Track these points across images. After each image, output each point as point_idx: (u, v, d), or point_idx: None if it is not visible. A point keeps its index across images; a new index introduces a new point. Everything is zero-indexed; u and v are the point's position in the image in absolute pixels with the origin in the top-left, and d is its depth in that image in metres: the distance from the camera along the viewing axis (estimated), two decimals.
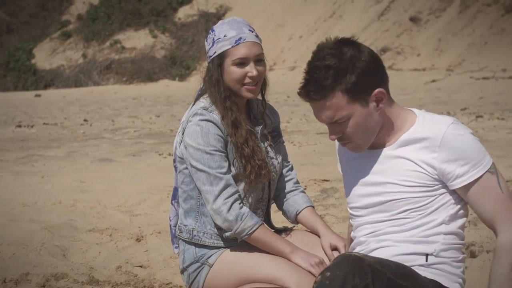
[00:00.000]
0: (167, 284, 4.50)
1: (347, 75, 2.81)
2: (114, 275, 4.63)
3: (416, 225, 2.91)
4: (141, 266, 4.81)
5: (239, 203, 3.43)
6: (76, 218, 6.22)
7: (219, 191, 3.42)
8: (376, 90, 2.85)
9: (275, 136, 3.70)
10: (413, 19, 29.08)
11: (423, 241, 2.91)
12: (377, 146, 3.00)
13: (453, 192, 2.90)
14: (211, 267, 3.50)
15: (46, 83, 34.86)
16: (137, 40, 35.02)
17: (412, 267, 2.87)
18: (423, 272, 2.88)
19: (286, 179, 3.73)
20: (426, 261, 2.90)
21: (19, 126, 16.07)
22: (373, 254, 2.92)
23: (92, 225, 5.92)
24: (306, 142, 10.97)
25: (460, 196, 2.90)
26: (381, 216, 2.97)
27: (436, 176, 2.87)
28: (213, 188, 3.42)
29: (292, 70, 29.38)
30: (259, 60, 3.49)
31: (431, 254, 2.89)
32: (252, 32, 3.52)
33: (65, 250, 5.20)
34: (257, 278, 3.37)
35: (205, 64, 3.63)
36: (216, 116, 3.48)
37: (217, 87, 3.50)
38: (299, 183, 3.77)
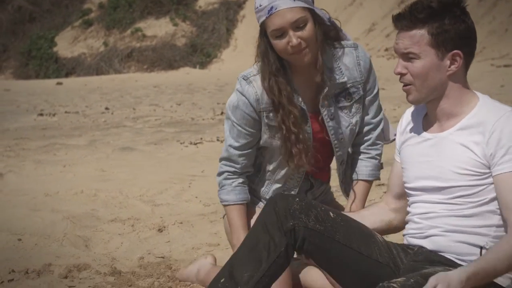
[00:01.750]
0: None
1: (441, 22, 2.86)
2: (136, 266, 4.63)
3: (469, 213, 2.89)
4: (163, 257, 4.80)
5: (228, 175, 3.52)
6: (98, 208, 6.22)
7: (222, 158, 3.55)
8: (456, 51, 2.88)
9: (353, 93, 3.47)
10: None
11: (474, 232, 2.89)
12: (436, 126, 3.00)
13: None
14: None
15: (67, 71, 34.95)
16: (158, 28, 35.01)
17: (465, 261, 2.87)
18: None
19: (364, 138, 3.61)
20: (481, 255, 2.88)
21: (41, 114, 16.11)
22: (426, 241, 2.96)
23: (114, 215, 5.92)
24: None
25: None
26: (436, 197, 2.98)
27: (486, 163, 2.85)
28: (223, 152, 3.54)
29: None
30: (298, 26, 3.24)
31: (484, 247, 2.87)
32: None
33: (87, 240, 5.20)
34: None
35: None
36: (252, 89, 3.36)
37: (266, 59, 3.32)
38: (376, 145, 3.62)
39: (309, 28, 3.27)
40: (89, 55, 35.49)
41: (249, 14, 32.37)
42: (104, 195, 6.71)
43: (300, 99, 3.40)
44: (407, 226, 3.14)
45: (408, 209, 3.14)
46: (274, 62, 3.31)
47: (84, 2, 39.08)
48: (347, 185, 3.70)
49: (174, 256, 4.83)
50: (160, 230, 5.43)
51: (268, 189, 3.58)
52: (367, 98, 3.55)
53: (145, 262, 4.70)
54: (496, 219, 2.87)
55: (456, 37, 2.89)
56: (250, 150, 3.50)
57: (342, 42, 3.52)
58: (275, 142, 3.43)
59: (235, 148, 3.48)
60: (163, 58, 33.02)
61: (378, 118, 3.61)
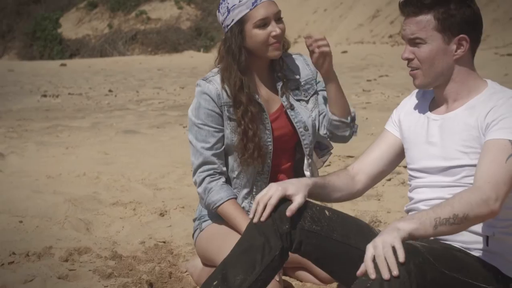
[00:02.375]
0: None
1: (446, 7, 2.88)
2: (137, 250, 4.62)
3: None
4: (164, 242, 4.79)
5: (212, 178, 3.53)
6: (100, 190, 6.21)
7: (197, 165, 3.55)
8: (462, 35, 2.89)
9: (308, 89, 3.68)
10: None
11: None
12: (443, 108, 3.00)
13: None
14: (201, 231, 3.62)
15: (71, 53, 34.95)
16: (163, 11, 34.96)
17: (470, 251, 2.85)
18: (483, 255, 2.86)
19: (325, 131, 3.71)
20: (487, 245, 2.86)
21: (44, 95, 16.10)
22: None
23: (115, 198, 5.91)
24: None
25: None
26: (441, 179, 2.96)
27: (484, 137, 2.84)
28: (195, 161, 3.56)
29: None
30: (278, 18, 3.49)
31: (492, 236, 2.85)
32: None
33: (88, 223, 5.19)
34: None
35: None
36: (213, 86, 3.50)
37: (238, 56, 3.48)
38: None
39: (283, 23, 3.53)
40: (94, 37, 35.47)
41: None
42: (106, 178, 6.70)
43: (259, 98, 3.56)
44: (410, 214, 3.11)
45: (410, 195, 3.11)
46: (245, 60, 3.48)
47: None
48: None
49: (176, 241, 4.82)
50: (161, 215, 5.42)
51: (238, 196, 3.61)
52: (320, 92, 3.72)
53: (146, 247, 4.69)
54: (504, 207, 2.85)
55: (462, 22, 2.90)
56: (221, 150, 3.57)
57: (288, 51, 3.73)
58: (236, 138, 3.52)
59: (208, 148, 3.53)
60: (168, 41, 32.99)
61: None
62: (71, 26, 36.42)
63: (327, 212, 3.02)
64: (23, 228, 5.05)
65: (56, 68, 27.55)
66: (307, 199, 2.99)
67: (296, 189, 2.93)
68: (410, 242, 2.63)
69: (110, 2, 36.44)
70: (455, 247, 2.88)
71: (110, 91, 17.03)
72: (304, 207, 2.96)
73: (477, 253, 2.87)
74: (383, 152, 3.22)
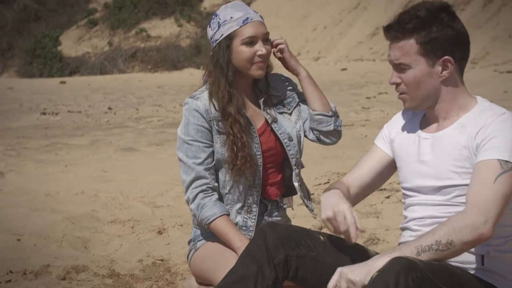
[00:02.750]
0: None
1: (428, 29, 2.87)
2: (135, 268, 4.61)
3: None
4: (162, 260, 4.78)
5: (205, 194, 3.54)
6: (98, 208, 6.21)
7: (189, 181, 3.55)
8: (446, 57, 2.88)
9: (290, 102, 3.74)
10: None
11: None
12: (434, 126, 3.00)
13: None
14: (196, 251, 3.64)
15: (71, 70, 34.97)
16: (163, 28, 35.03)
17: (467, 270, 2.84)
18: (479, 273, 2.85)
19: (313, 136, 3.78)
20: (483, 264, 2.86)
21: (44, 113, 16.11)
22: None
23: (114, 216, 5.91)
24: None
25: None
26: (434, 198, 2.95)
27: (475, 157, 2.84)
28: (186, 178, 3.56)
29: (316, 60, 29.24)
30: (266, 39, 3.56)
31: (487, 255, 2.85)
32: (257, 13, 3.59)
33: (86, 242, 5.18)
34: (215, 283, 3.39)
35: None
36: (201, 102, 3.56)
37: (226, 70, 3.55)
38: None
39: (270, 45, 3.60)
40: (93, 55, 35.51)
41: None
42: (105, 196, 6.69)
43: (246, 113, 3.62)
44: (403, 233, 3.10)
45: (405, 213, 3.10)
46: (232, 75, 3.55)
47: (90, 1, 39.13)
48: (304, 191, 3.76)
49: (174, 259, 4.81)
50: (160, 232, 5.41)
51: (231, 212, 3.62)
52: (301, 103, 3.77)
53: (144, 265, 4.68)
54: (497, 226, 2.84)
55: (445, 43, 2.88)
56: (212, 165, 3.58)
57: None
58: (226, 151, 3.57)
59: (199, 164, 3.55)
60: (167, 58, 33.03)
61: None
62: (71, 44, 36.47)
63: (322, 238, 3.03)
64: (21, 246, 5.05)
65: (56, 85, 27.57)
66: (300, 227, 3.00)
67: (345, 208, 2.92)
68: (408, 257, 2.63)
69: (110, 20, 36.53)
70: (453, 264, 2.87)
71: (109, 108, 17.03)
72: (298, 233, 2.97)
73: (473, 272, 2.86)
74: (371, 168, 3.21)
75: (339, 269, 2.67)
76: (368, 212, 5.80)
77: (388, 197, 6.14)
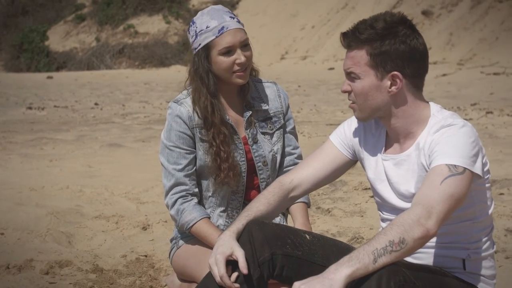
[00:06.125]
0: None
1: (381, 42, 2.82)
2: (118, 264, 4.61)
3: (446, 231, 2.84)
4: (146, 256, 4.78)
5: (184, 199, 3.54)
6: (82, 204, 6.20)
7: (169, 187, 3.55)
8: (395, 72, 2.83)
9: (275, 122, 3.68)
10: (425, 13, 29.02)
11: (455, 247, 2.88)
12: (396, 147, 2.98)
13: (472, 195, 2.83)
14: (178, 249, 3.64)
15: (58, 65, 34.90)
16: (151, 25, 34.99)
17: (450, 272, 2.85)
18: (461, 275, 2.87)
19: (288, 168, 3.70)
20: (465, 269, 2.87)
21: (30, 108, 16.07)
22: (410, 258, 2.88)
23: (98, 212, 5.90)
24: (316, 133, 10.92)
25: None
26: (402, 210, 2.92)
27: None
28: (166, 183, 3.56)
29: (304, 59, 29.29)
30: (245, 45, 3.50)
31: (468, 259, 2.86)
32: (234, 18, 3.52)
33: (70, 236, 5.17)
34: (198, 280, 3.39)
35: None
36: (184, 108, 3.53)
37: (206, 80, 3.51)
38: None
39: (250, 50, 3.54)
40: (81, 50, 35.44)
41: (242, 14, 32.36)
42: (90, 191, 6.68)
43: (230, 119, 3.59)
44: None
45: (384, 225, 3.10)
46: (213, 84, 3.51)
47: None
48: None
49: (157, 255, 4.81)
50: (144, 228, 5.41)
51: (213, 214, 3.61)
52: (287, 129, 3.74)
53: (127, 260, 4.67)
54: (474, 231, 2.86)
55: (396, 58, 2.82)
56: (192, 171, 3.57)
57: (261, 78, 3.76)
58: (209, 159, 3.55)
59: (180, 170, 3.54)
60: (155, 55, 33.00)
61: (299, 149, 3.78)
62: (59, 39, 36.38)
63: (307, 236, 3.02)
64: (4, 241, 5.03)
65: (43, 80, 27.49)
66: (286, 224, 2.97)
67: (228, 247, 2.87)
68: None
69: (98, 16, 36.44)
70: (434, 267, 2.89)
71: (96, 104, 17.00)
72: (284, 232, 2.97)
73: (456, 275, 2.87)
74: (324, 165, 3.17)
75: (295, 284, 2.62)
76: (353, 211, 5.81)
77: (372, 196, 6.14)
